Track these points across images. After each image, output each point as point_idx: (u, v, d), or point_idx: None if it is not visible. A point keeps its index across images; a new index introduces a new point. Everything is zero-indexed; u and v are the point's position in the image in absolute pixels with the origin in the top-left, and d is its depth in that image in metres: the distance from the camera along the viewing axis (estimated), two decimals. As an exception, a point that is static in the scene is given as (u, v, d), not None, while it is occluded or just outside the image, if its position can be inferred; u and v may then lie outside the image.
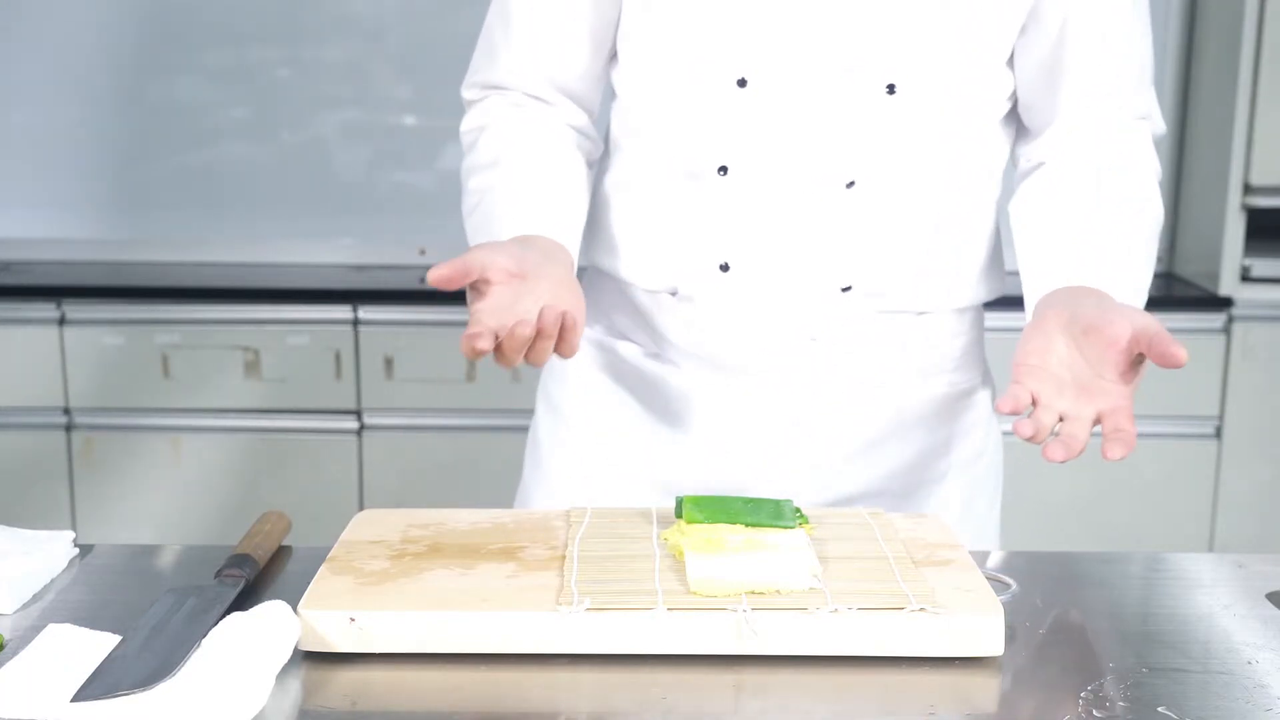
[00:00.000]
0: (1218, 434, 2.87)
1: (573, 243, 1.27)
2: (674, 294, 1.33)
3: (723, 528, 1.04)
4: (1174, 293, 2.98)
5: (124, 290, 2.89)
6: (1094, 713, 0.88)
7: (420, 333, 2.84)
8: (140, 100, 3.13)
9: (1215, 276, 2.88)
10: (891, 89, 1.22)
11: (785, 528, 1.04)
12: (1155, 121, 1.32)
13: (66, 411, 2.87)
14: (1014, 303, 1.30)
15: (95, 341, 2.84)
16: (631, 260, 1.35)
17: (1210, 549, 2.89)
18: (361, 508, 2.79)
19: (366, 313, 2.84)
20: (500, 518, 1.14)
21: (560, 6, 1.31)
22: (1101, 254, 1.22)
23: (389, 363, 2.85)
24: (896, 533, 1.10)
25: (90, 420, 2.88)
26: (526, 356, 1.10)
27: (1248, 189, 2.84)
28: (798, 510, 1.08)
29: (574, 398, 1.42)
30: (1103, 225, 1.24)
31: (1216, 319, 2.85)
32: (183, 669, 0.89)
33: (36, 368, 2.85)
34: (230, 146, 3.17)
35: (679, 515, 1.06)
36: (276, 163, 3.17)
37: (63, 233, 3.17)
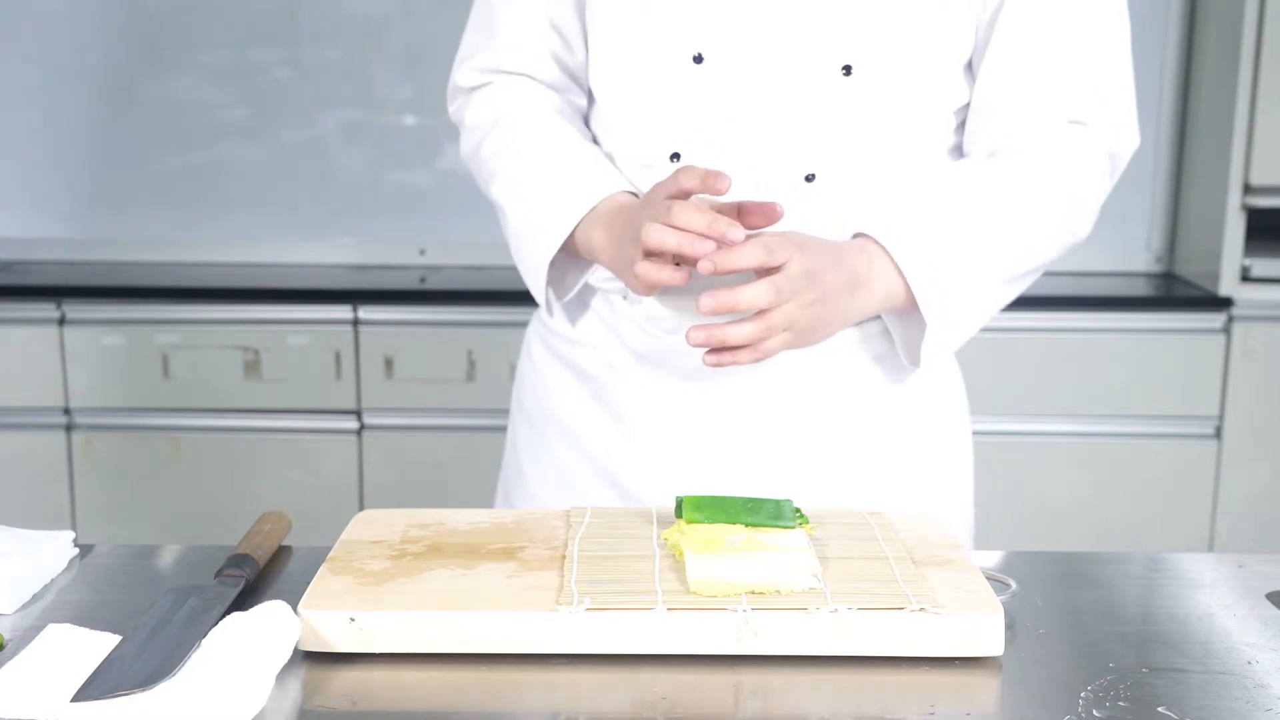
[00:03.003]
0: (1218, 434, 2.87)
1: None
2: (625, 296, 1.33)
3: (723, 528, 1.03)
4: (1174, 293, 2.98)
5: (124, 290, 2.89)
6: (1094, 713, 0.88)
7: (420, 333, 2.84)
8: (140, 100, 3.13)
9: (1215, 276, 2.88)
10: (848, 70, 1.22)
11: (785, 528, 1.04)
12: (1109, 133, 1.28)
13: (66, 411, 2.87)
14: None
15: (95, 341, 2.84)
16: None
17: (1210, 549, 2.89)
18: (361, 508, 2.79)
19: (366, 313, 2.84)
20: (500, 518, 1.14)
21: None
22: (905, 215, 1.23)
23: (389, 363, 2.84)
24: (896, 533, 1.10)
25: (90, 420, 2.87)
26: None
27: (1248, 189, 2.84)
28: (798, 510, 1.08)
29: (545, 408, 1.42)
30: (932, 196, 1.25)
31: (1216, 319, 2.84)
32: (183, 669, 0.89)
33: (36, 368, 2.85)
34: (230, 146, 3.17)
35: (679, 515, 1.06)
36: (276, 163, 3.16)
37: (63, 233, 3.16)
